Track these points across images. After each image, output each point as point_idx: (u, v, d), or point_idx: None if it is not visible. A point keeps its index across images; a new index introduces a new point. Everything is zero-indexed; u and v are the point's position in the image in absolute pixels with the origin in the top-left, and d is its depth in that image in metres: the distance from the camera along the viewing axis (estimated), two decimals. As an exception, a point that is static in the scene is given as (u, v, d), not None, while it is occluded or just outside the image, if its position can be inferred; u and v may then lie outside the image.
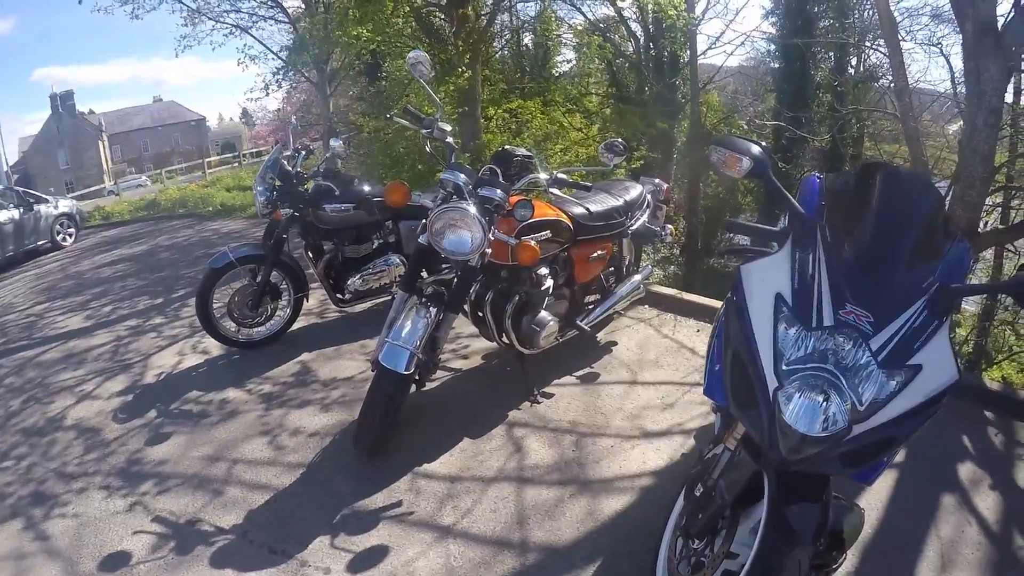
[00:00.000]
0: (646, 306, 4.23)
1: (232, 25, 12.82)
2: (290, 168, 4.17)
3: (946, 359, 1.43)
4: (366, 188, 4.23)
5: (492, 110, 9.57)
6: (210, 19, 12.34)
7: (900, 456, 2.68)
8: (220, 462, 3.07)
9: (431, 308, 2.74)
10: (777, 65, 16.73)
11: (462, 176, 2.81)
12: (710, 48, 17.71)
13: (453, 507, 2.54)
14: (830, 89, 13.95)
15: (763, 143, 1.82)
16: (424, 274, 2.99)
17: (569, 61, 18.54)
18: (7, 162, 29.80)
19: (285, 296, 4.38)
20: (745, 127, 15.45)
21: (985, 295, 5.39)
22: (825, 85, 14.52)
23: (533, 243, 2.78)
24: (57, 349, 5.31)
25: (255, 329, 4.33)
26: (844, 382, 1.37)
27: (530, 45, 18.07)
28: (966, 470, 2.66)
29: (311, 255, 4.32)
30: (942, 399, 1.43)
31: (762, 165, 1.73)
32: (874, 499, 2.43)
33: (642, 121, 13.07)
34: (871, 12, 10.74)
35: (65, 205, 12.66)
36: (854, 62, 15.30)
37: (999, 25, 4.05)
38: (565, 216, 3.20)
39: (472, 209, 2.59)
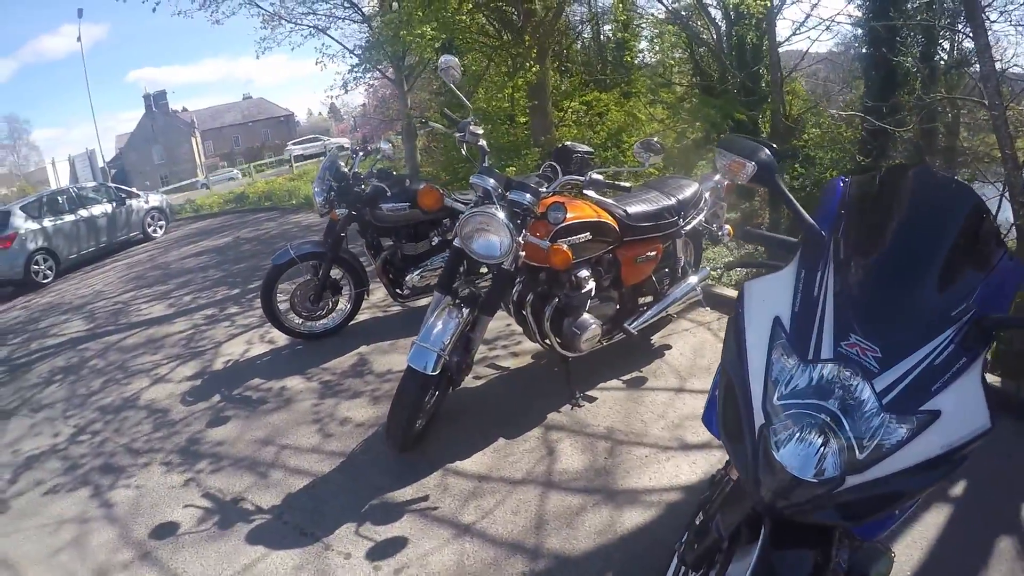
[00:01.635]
0: (708, 308, 4.06)
1: (310, 27, 13.23)
2: (346, 169, 4.29)
3: (976, 404, 1.20)
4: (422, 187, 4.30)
5: (567, 103, 9.52)
6: (288, 21, 12.77)
7: (957, 488, 2.40)
8: (270, 446, 3.24)
9: (464, 309, 2.76)
10: (864, 51, 15.78)
11: (491, 180, 2.81)
12: (794, 34, 16.79)
13: (476, 506, 2.56)
14: (919, 76, 13.06)
15: (773, 144, 1.65)
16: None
17: (652, 51, 18.18)
18: (104, 158, 32.05)
19: (346, 291, 4.53)
20: (835, 115, 14.68)
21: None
22: (914, 72, 13.58)
23: (565, 247, 2.73)
24: (139, 335, 5.78)
25: (317, 322, 4.51)
26: (846, 424, 1.18)
27: (610, 35, 17.78)
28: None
29: (370, 251, 4.45)
30: (967, 449, 1.21)
31: (768, 170, 1.57)
32: (914, 539, 2.19)
33: (719, 112, 12.64)
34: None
35: (155, 199, 13.63)
36: (947, 46, 14.29)
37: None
38: (610, 217, 3.14)
39: (500, 214, 2.61)
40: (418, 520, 2.52)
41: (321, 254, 4.28)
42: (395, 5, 10.18)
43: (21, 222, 10.33)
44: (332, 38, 13.64)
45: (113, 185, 13.49)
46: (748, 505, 1.40)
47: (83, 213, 11.38)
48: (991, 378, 2.95)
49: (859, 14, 15.61)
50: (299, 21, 12.57)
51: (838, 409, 1.19)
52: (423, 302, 4.66)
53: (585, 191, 3.06)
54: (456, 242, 2.80)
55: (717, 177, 3.69)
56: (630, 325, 3.35)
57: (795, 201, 1.53)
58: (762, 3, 8.15)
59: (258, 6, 12.14)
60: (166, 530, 2.72)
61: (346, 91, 13.23)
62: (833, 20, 14.68)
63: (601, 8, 16.59)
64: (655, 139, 3.10)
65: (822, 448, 1.16)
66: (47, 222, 10.69)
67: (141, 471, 3.28)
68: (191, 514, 2.79)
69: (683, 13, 15.92)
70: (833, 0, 34.75)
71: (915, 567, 2.08)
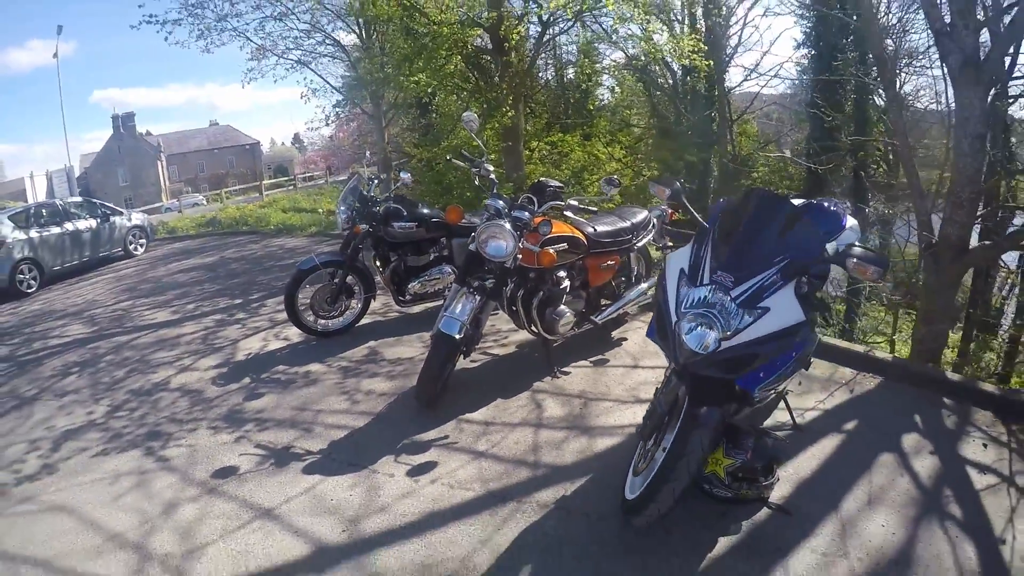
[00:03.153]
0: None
1: (295, 61, 14.06)
2: (366, 193, 5.12)
3: (792, 306, 2.21)
4: (426, 211, 5.15)
5: (535, 143, 10.52)
6: (275, 55, 13.59)
7: (852, 424, 3.41)
8: (307, 411, 3.96)
9: (476, 296, 3.66)
10: (807, 98, 17.23)
11: (500, 202, 3.83)
12: (745, 80, 18.34)
13: (486, 440, 3.40)
14: (853, 119, 14.49)
15: (680, 179, 2.85)
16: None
17: (612, 90, 19.52)
18: (68, 177, 32.14)
19: (357, 296, 5.30)
20: (788, 154, 16.13)
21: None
22: (849, 116, 15.02)
23: (551, 251, 3.73)
24: (150, 335, 6.25)
25: (331, 321, 5.27)
26: (717, 317, 2.18)
27: (573, 77, 19.00)
28: (911, 439, 3.29)
29: (379, 264, 5.24)
30: (796, 332, 2.22)
31: (678, 194, 2.77)
32: (821, 451, 3.15)
33: (672, 154, 13.88)
34: (898, 40, 11.23)
35: (138, 218, 13.97)
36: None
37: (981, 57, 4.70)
38: (580, 234, 4.10)
39: (507, 225, 3.56)
40: (443, 450, 3.32)
41: (339, 262, 5.05)
42: (381, 45, 11.11)
43: (9, 231, 10.58)
44: (316, 73, 14.52)
45: (97, 201, 13.79)
46: (677, 384, 2.34)
47: (68, 227, 11.69)
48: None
49: (805, 62, 17.16)
50: (284, 55, 13.35)
51: (714, 308, 2.20)
52: (416, 309, 5.49)
53: (564, 213, 4.01)
54: (472, 246, 3.67)
55: (663, 207, 4.69)
56: (595, 318, 4.31)
57: (692, 210, 2.64)
58: (706, 63, 9.24)
59: (248, 39, 12.88)
60: (227, 472, 3.33)
61: (327, 124, 14.07)
62: (781, 67, 16.14)
63: (565, 53, 17.82)
64: (615, 177, 4.11)
65: (707, 331, 2.15)
66: (34, 233, 10.96)
67: (189, 435, 3.83)
68: (247, 460, 3.43)
69: (642, 58, 17.27)
70: (785, 47, 36.99)
71: (815, 471, 3.03)
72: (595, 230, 4.21)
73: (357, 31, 14.62)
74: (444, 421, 3.63)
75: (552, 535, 2.65)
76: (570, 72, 18.77)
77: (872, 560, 2.47)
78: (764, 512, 2.71)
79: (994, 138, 8.63)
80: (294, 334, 5.40)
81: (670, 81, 17.19)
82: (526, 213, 3.73)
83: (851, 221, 3.29)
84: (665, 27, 15.75)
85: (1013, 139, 8.89)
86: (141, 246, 13.49)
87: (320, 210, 16.86)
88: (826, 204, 3.12)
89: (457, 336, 3.52)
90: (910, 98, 12.58)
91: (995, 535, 2.64)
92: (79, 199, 13.38)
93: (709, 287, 2.26)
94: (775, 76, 18.66)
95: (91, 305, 8.43)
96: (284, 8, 13.00)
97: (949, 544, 2.57)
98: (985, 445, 3.24)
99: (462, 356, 3.91)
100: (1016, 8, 4.95)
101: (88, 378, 5.19)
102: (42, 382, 5.28)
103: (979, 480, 2.98)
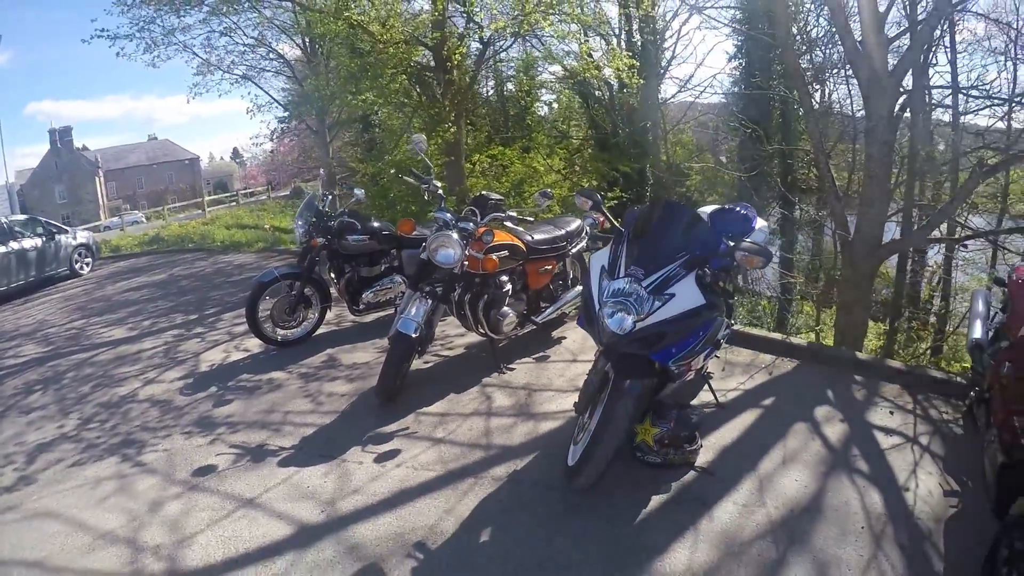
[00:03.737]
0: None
1: (240, 76, 14.20)
2: (321, 208, 5.47)
3: (692, 292, 2.73)
4: (377, 224, 5.53)
5: (476, 156, 10.97)
6: (220, 70, 13.73)
7: (770, 400, 3.97)
8: (275, 413, 4.29)
9: (428, 300, 4.09)
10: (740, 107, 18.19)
11: (448, 215, 4.26)
12: (680, 91, 19.08)
13: (443, 428, 3.83)
14: (780, 129, 15.47)
15: (600, 193, 3.34)
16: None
17: (550, 104, 20.14)
18: (10, 194, 30.96)
19: (314, 306, 5.65)
20: (724, 161, 17.06)
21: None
22: (777, 125, 16.02)
23: (494, 257, 4.22)
24: (109, 352, 6.35)
25: (290, 331, 5.59)
26: (632, 303, 2.66)
27: (512, 90, 19.54)
28: (823, 410, 3.82)
29: (333, 275, 5.59)
30: (700, 314, 2.75)
31: (598, 205, 3.33)
32: (741, 423, 3.68)
33: (608, 165, 14.55)
34: (826, 51, 12.12)
35: (83, 236, 13.75)
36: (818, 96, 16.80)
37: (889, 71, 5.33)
38: (520, 241, 4.58)
39: (455, 235, 4.00)
40: (405, 439, 3.74)
41: (297, 274, 5.39)
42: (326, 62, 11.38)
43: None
44: (261, 88, 14.70)
45: (43, 219, 13.48)
46: (604, 363, 2.84)
47: (14, 246, 11.42)
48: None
49: (737, 74, 18.14)
50: (230, 70, 13.49)
51: (628, 297, 2.67)
52: (370, 318, 5.86)
53: (504, 223, 4.46)
54: (423, 255, 4.09)
55: (595, 215, 5.21)
56: (536, 318, 4.79)
57: (611, 217, 3.21)
58: (637, 80, 9.88)
59: (195, 53, 12.98)
60: (206, 470, 3.61)
61: (272, 139, 14.20)
62: (714, 78, 17.00)
63: (505, 68, 18.34)
64: (549, 190, 4.64)
65: (625, 316, 2.61)
66: (-21, 253, 10.66)
67: (163, 440, 4.07)
68: (224, 459, 3.72)
69: (580, 73, 17.87)
70: (719, 59, 38.42)
71: (735, 440, 3.55)
72: (533, 238, 4.70)
73: (302, 46, 14.86)
74: (403, 415, 4.03)
75: (507, 502, 3.09)
76: (510, 86, 19.36)
77: (787, 508, 2.96)
78: (691, 475, 3.21)
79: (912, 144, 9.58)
80: (254, 345, 5.69)
81: (607, 95, 17.88)
82: (471, 224, 4.19)
83: (761, 223, 3.93)
84: (603, 41, 16.49)
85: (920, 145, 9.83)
86: (87, 265, 13.27)
87: (267, 226, 16.92)
88: (738, 209, 3.73)
89: (413, 335, 3.95)
90: (839, 104, 13.56)
91: (899, 484, 3.12)
92: (23, 217, 13.03)
93: (625, 279, 2.74)
94: (708, 88, 19.61)
95: (43, 325, 8.34)
96: (231, 23, 13.17)
97: (857, 493, 3.06)
98: (892, 412, 3.81)
99: (417, 355, 4.32)
100: (919, 27, 5.65)
101: (53, 394, 5.28)
102: (4, 400, 5.32)
103: (885, 440, 3.52)
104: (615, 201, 12.51)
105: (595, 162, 15.69)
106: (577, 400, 3.18)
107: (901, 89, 6.65)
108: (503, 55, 13.73)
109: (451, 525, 2.95)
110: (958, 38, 11.29)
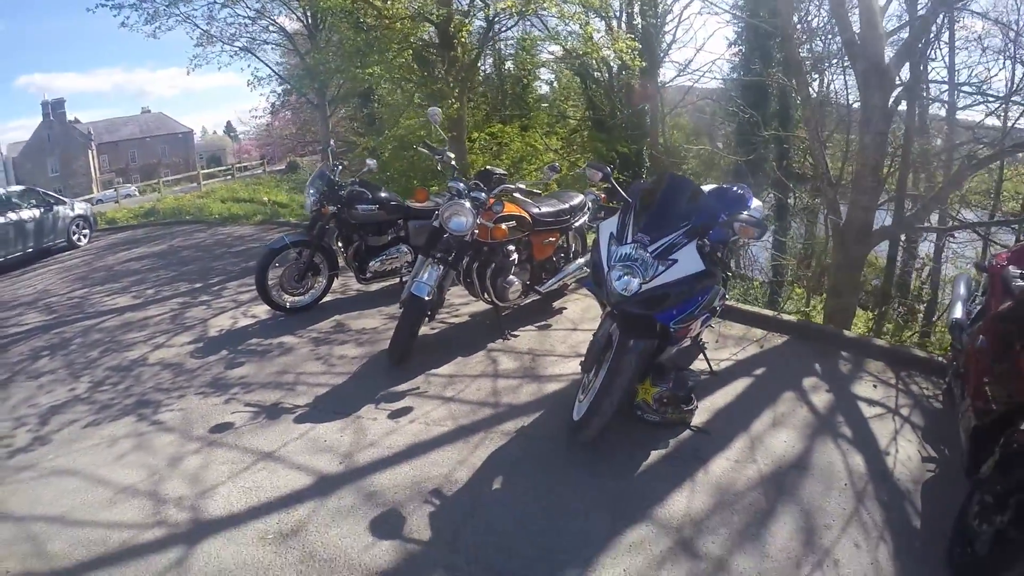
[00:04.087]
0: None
1: (240, 48, 14.18)
2: (333, 177, 5.58)
3: (693, 258, 2.91)
4: (386, 195, 5.65)
5: (475, 134, 11.07)
6: (221, 41, 13.70)
7: (761, 370, 4.17)
8: (288, 374, 4.43)
9: (440, 265, 4.22)
10: (738, 92, 18.28)
11: (461, 185, 4.39)
12: (679, 75, 19.13)
13: (452, 388, 4.01)
14: (777, 116, 15.60)
15: (610, 166, 3.47)
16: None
17: (550, 83, 20.17)
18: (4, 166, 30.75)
19: (322, 273, 5.77)
20: (720, 146, 17.18)
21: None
22: (774, 112, 16.15)
23: (504, 226, 4.38)
24: (115, 319, 6.43)
25: (298, 297, 5.71)
26: (638, 267, 2.85)
27: (512, 69, 19.54)
28: (811, 381, 4.03)
29: (341, 244, 5.71)
30: (700, 280, 2.93)
31: (607, 176, 3.47)
32: (733, 390, 3.88)
33: (606, 145, 14.66)
34: (826, 41, 12.22)
35: (81, 207, 13.75)
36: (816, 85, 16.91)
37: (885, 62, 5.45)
38: (526, 213, 4.73)
39: (467, 204, 4.15)
40: (416, 398, 3.90)
41: (307, 242, 5.50)
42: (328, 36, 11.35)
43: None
44: (263, 61, 14.67)
45: (41, 190, 13.45)
46: (610, 323, 2.99)
47: (12, 216, 11.47)
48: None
49: (736, 60, 18.21)
50: (230, 42, 13.46)
51: (635, 261, 2.86)
52: (375, 287, 5.99)
53: (512, 195, 4.59)
54: (436, 223, 4.23)
55: (597, 192, 5.37)
56: (539, 288, 4.95)
57: (619, 188, 3.32)
58: (638, 62, 9.97)
59: (196, 24, 12.95)
60: (224, 427, 3.73)
61: (273, 112, 14.19)
62: (713, 64, 17.06)
63: (504, 46, 18.33)
64: (557, 164, 4.78)
65: (631, 278, 2.80)
66: (-21, 223, 10.67)
67: (178, 400, 4.19)
68: (241, 417, 3.84)
69: (580, 54, 17.89)
70: (719, 44, 38.41)
71: (729, 404, 3.76)
72: (539, 210, 4.83)
73: (304, 20, 14.81)
74: (414, 376, 4.19)
75: (516, 454, 3.28)
76: (509, 64, 19.35)
77: (775, 464, 3.17)
78: (687, 433, 3.41)
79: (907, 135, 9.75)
80: (262, 311, 5.81)
81: (606, 76, 17.92)
82: (483, 194, 4.32)
83: (756, 202, 4.13)
84: (604, 23, 16.51)
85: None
86: (85, 236, 13.27)
87: (265, 199, 16.92)
88: (735, 188, 3.94)
89: (426, 298, 4.11)
90: (835, 94, 13.68)
91: (880, 449, 3.33)
92: (20, 188, 13.00)
93: (632, 245, 2.92)
94: (707, 73, 19.67)
95: (44, 295, 8.37)
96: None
97: (841, 454, 3.27)
98: (875, 386, 4.00)
99: (428, 319, 4.47)
100: (918, 21, 5.78)
101: (61, 359, 5.35)
102: (12, 367, 5.38)
103: (868, 410, 3.72)
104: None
105: (593, 142, 15.78)
106: (583, 360, 3.35)
107: (897, 81, 6.80)
108: (506, 35, 13.80)
109: (464, 474, 3.12)
110: (958, 35, 11.43)
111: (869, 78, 5.62)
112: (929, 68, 10.51)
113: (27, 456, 3.72)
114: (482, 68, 18.51)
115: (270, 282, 5.52)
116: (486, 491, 3.01)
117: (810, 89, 9.49)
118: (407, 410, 3.76)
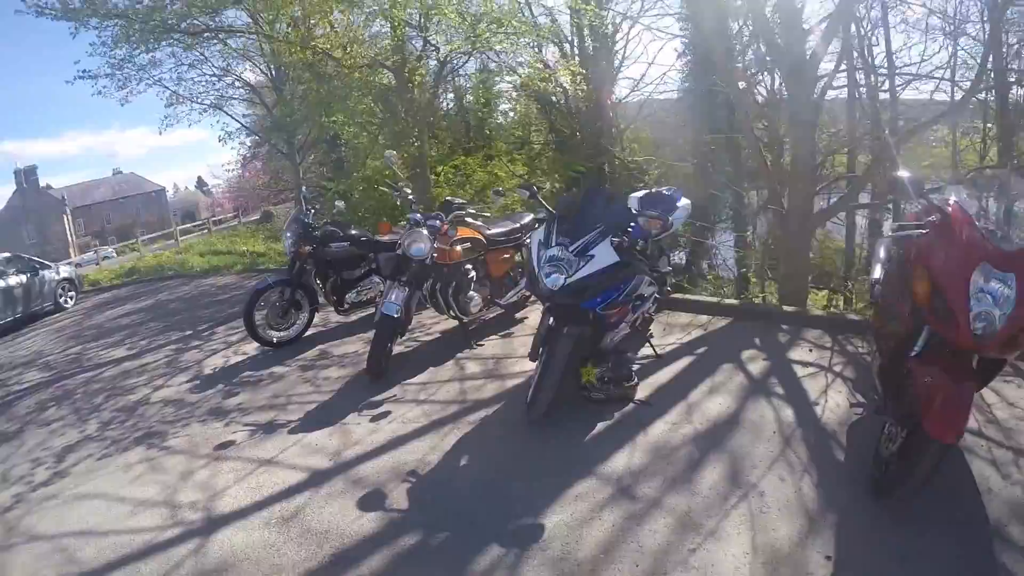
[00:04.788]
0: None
1: (208, 104, 14.79)
2: (307, 220, 6.14)
3: (608, 252, 3.50)
4: (356, 232, 6.23)
5: (440, 168, 11.68)
6: (190, 100, 14.30)
7: (703, 349, 4.75)
8: (280, 397, 4.95)
9: (405, 287, 4.82)
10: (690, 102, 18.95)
11: (418, 215, 5.03)
12: (632, 92, 19.67)
13: (425, 393, 4.57)
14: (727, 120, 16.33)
15: (534, 185, 4.00)
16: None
17: (505, 113, 20.88)
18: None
19: (304, 308, 6.30)
20: (680, 155, 17.84)
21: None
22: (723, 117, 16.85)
23: (458, 248, 5.00)
24: (113, 369, 6.83)
25: (284, 332, 6.23)
26: (563, 265, 3.43)
27: (472, 100, 20.23)
28: (749, 352, 4.54)
29: (319, 281, 6.25)
30: (619, 272, 3.52)
31: (534, 195, 4.07)
32: (676, 368, 4.44)
33: (566, 166, 15.33)
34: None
35: (66, 270, 14.14)
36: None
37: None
38: (480, 235, 5.36)
39: (425, 232, 4.78)
40: (394, 404, 4.45)
41: (288, 281, 6.06)
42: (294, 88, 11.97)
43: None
44: (231, 116, 15.29)
45: (26, 256, 13.81)
46: (548, 316, 3.62)
47: (1, 283, 11.77)
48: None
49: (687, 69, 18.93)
50: (199, 100, 14.06)
51: (560, 261, 3.43)
52: (354, 317, 6.54)
53: (465, 219, 5.22)
54: (400, 250, 4.83)
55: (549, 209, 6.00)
56: (500, 301, 5.52)
57: (543, 203, 3.94)
58: (582, 86, 10.65)
59: (165, 86, 13.53)
60: (226, 445, 4.23)
61: (243, 165, 14.82)
62: (664, 75, 17.74)
63: (464, 80, 19.04)
64: (501, 188, 5.40)
65: (558, 275, 3.38)
66: (-32, 293, 10.94)
67: (182, 429, 4.65)
68: (241, 435, 4.35)
69: (536, 82, 18.60)
70: (669, 55, 39.36)
71: (670, 380, 4.30)
72: (492, 231, 5.46)
73: (268, 74, 15.48)
74: (391, 386, 4.74)
75: (480, 437, 3.85)
76: (470, 97, 20.07)
77: (710, 424, 3.69)
78: (631, 406, 3.95)
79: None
80: (251, 348, 6.31)
81: (563, 99, 18.60)
82: (437, 222, 4.94)
83: (684, 201, 4.79)
84: (557, 48, 17.28)
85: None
86: (71, 298, 13.59)
87: (244, 249, 17.37)
88: (664, 191, 4.59)
89: (396, 316, 4.69)
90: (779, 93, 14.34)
91: (811, 401, 3.78)
92: (6, 255, 13.33)
93: (557, 247, 3.52)
94: (660, 85, 20.31)
95: (40, 355, 8.64)
96: (200, 55, 13.77)
97: (772, 409, 3.75)
98: (811, 350, 4.51)
99: (399, 336, 5.05)
100: (833, 13, 6.42)
101: (68, 408, 5.74)
102: (22, 419, 5.70)
103: (802, 371, 4.21)
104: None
105: (556, 163, 16.46)
106: (530, 351, 3.94)
107: (821, 74, 7.42)
108: (462, 70, 14.48)
109: (436, 457, 3.67)
110: (899, 19, 12.25)
111: (792, 76, 6.23)
112: (875, 54, 11.41)
113: (49, 488, 4.14)
114: (443, 104, 19.27)
115: (257, 321, 6.02)
116: (454, 467, 3.56)
117: (759, 90, 10.25)
118: (386, 414, 4.30)
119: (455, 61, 10.89)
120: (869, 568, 2.59)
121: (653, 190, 4.76)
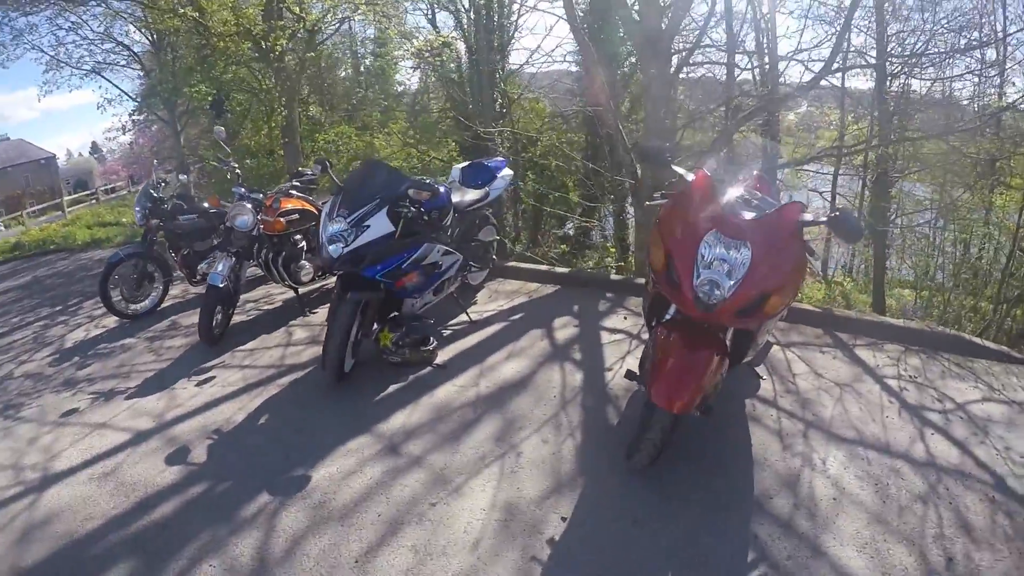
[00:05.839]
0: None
1: (89, 70, 14.39)
2: (156, 194, 6.43)
3: (383, 223, 3.96)
4: (204, 204, 6.54)
5: (319, 136, 11.95)
6: (69, 66, 13.91)
7: (519, 316, 5.21)
8: (125, 367, 5.32)
9: (232, 258, 5.28)
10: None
11: (242, 189, 5.49)
12: (523, 65, 20.12)
13: (251, 358, 5.11)
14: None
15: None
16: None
17: (402, 83, 21.05)
18: None
19: (157, 280, 6.64)
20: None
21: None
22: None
23: (282, 220, 5.39)
24: None
25: (139, 304, 6.56)
26: (342, 235, 3.92)
27: (370, 66, 20.27)
28: (563, 319, 5.04)
29: (172, 252, 6.58)
30: (389, 239, 4.00)
31: (327, 168, 4.57)
32: (485, 333, 4.95)
33: (463, 134, 15.73)
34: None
35: (-56, 249, 13.61)
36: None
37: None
38: (312, 207, 5.76)
39: (248, 205, 5.22)
40: (220, 369, 4.98)
41: (141, 254, 6.36)
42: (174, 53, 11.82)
43: None
44: (111, 82, 14.93)
45: None
46: (337, 283, 4.15)
47: None
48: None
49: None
50: (78, 65, 13.70)
51: (343, 232, 3.91)
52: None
53: (290, 192, 5.73)
54: (228, 223, 5.25)
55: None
56: None
57: (334, 177, 4.41)
58: (450, 57, 11.04)
59: (43, 51, 13.15)
60: (70, 412, 4.54)
61: (124, 133, 14.55)
62: (558, 47, 18.12)
63: (360, 48, 19.05)
64: (325, 160, 5.59)
65: (337, 245, 3.90)
66: None
67: (36, 400, 4.91)
68: (84, 403, 4.67)
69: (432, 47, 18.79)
70: (564, 27, 39.66)
71: (474, 345, 4.85)
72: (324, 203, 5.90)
73: (150, 39, 15.13)
74: (223, 353, 5.24)
75: (284, 398, 4.39)
76: (367, 62, 20.11)
77: (497, 387, 4.12)
78: (428, 369, 4.49)
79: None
80: (111, 322, 6.59)
81: (461, 69, 18.85)
82: (260, 195, 5.41)
83: (506, 171, 5.27)
84: (453, 17, 17.47)
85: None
86: (-53, 279, 13.13)
87: (125, 221, 17.06)
88: (486, 162, 5.04)
89: (220, 285, 5.10)
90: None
91: (605, 367, 4.13)
92: None
93: (338, 219, 3.95)
94: (552, 57, 20.79)
95: None
96: (77, 19, 13.42)
97: (562, 374, 4.16)
98: (626, 317, 4.90)
99: (230, 306, 5.51)
100: None
101: None
102: None
103: (608, 337, 4.61)
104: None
105: (452, 132, 16.84)
106: (327, 317, 4.43)
107: (674, 50, 7.70)
108: (360, 33, 14.41)
109: (241, 416, 4.20)
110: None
111: (644, 50, 6.44)
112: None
113: None
114: (341, 72, 19.26)
115: (113, 296, 6.33)
116: (253, 425, 4.10)
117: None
118: (211, 379, 4.78)
119: (324, 31, 11.01)
120: (600, 530, 2.81)
121: (476, 161, 5.19)
